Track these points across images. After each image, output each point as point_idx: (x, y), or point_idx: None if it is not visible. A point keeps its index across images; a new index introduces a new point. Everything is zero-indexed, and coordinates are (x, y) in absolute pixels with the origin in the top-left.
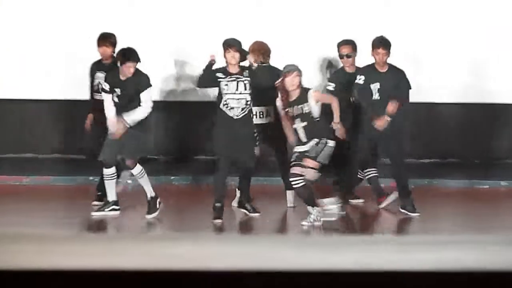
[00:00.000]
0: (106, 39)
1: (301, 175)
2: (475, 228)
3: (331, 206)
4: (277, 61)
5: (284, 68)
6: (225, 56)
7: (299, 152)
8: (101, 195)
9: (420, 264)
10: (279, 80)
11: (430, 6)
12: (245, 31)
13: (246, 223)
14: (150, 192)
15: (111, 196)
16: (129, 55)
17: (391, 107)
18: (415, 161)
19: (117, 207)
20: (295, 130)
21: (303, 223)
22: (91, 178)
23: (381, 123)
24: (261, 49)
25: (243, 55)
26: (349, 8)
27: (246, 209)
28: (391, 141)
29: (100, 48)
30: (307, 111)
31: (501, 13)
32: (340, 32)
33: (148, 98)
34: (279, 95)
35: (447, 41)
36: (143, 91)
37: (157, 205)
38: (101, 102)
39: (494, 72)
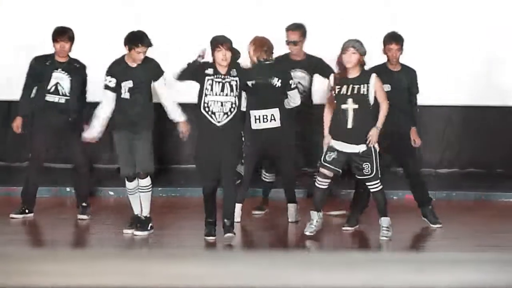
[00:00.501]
0: (65, 33)
1: (329, 178)
2: (498, 246)
3: (386, 226)
4: None
5: (343, 44)
6: (213, 55)
7: (343, 152)
8: (86, 206)
9: (437, 285)
10: (338, 55)
11: (433, 5)
12: (245, 31)
13: (244, 239)
14: (146, 212)
15: (136, 210)
16: (139, 38)
17: (417, 138)
18: (431, 171)
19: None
20: (342, 112)
21: (307, 232)
22: (68, 189)
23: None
24: (264, 45)
25: (235, 55)
26: (349, 7)
27: (223, 227)
28: (402, 145)
29: (58, 44)
30: (363, 93)
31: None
32: (340, 32)
33: (164, 88)
34: (335, 70)
35: (451, 41)
36: (156, 80)
37: (149, 226)
38: (54, 104)
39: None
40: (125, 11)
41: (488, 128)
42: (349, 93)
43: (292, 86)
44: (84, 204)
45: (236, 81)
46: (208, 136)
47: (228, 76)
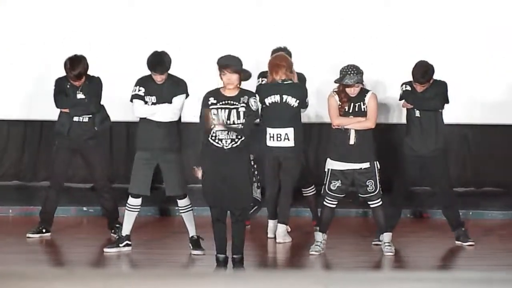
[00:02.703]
0: (81, 77)
1: (338, 197)
2: None
3: (388, 241)
4: None
5: (344, 79)
6: (221, 78)
7: (345, 173)
8: (119, 226)
9: None
10: (336, 87)
11: (433, 5)
12: (245, 31)
13: (251, 260)
14: (192, 231)
15: (127, 229)
16: (152, 66)
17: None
18: None
19: (130, 243)
20: (344, 129)
21: (312, 252)
22: (85, 208)
23: None
24: (282, 65)
25: (245, 75)
26: (349, 7)
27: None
28: (436, 163)
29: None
30: (363, 110)
31: None
32: (340, 32)
33: (177, 105)
34: (337, 96)
35: (454, 42)
36: (176, 96)
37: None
38: (79, 124)
39: None
40: (125, 11)
41: (506, 146)
42: (350, 111)
43: (308, 103)
44: (118, 225)
45: (245, 108)
46: (213, 159)
47: (237, 103)
